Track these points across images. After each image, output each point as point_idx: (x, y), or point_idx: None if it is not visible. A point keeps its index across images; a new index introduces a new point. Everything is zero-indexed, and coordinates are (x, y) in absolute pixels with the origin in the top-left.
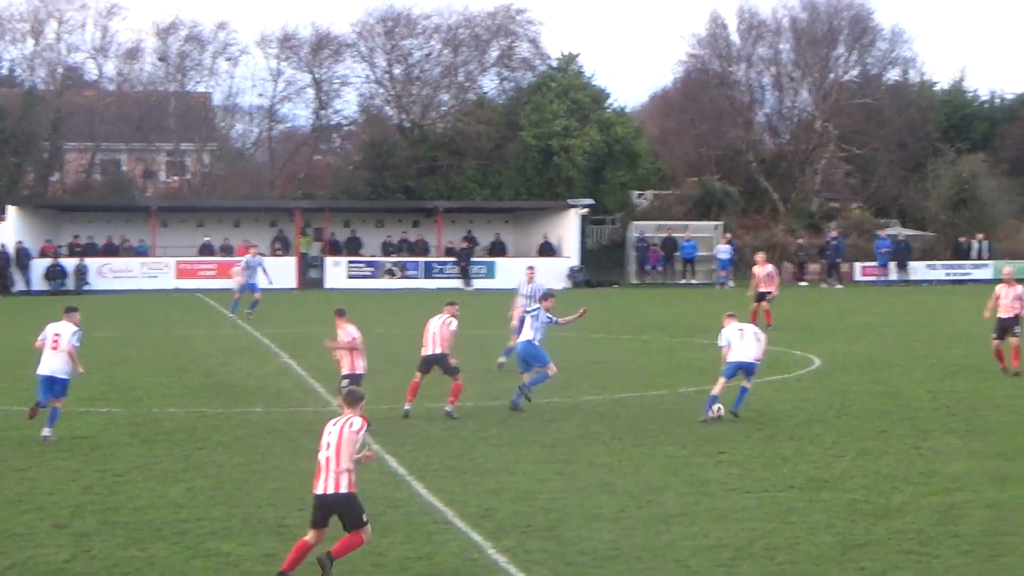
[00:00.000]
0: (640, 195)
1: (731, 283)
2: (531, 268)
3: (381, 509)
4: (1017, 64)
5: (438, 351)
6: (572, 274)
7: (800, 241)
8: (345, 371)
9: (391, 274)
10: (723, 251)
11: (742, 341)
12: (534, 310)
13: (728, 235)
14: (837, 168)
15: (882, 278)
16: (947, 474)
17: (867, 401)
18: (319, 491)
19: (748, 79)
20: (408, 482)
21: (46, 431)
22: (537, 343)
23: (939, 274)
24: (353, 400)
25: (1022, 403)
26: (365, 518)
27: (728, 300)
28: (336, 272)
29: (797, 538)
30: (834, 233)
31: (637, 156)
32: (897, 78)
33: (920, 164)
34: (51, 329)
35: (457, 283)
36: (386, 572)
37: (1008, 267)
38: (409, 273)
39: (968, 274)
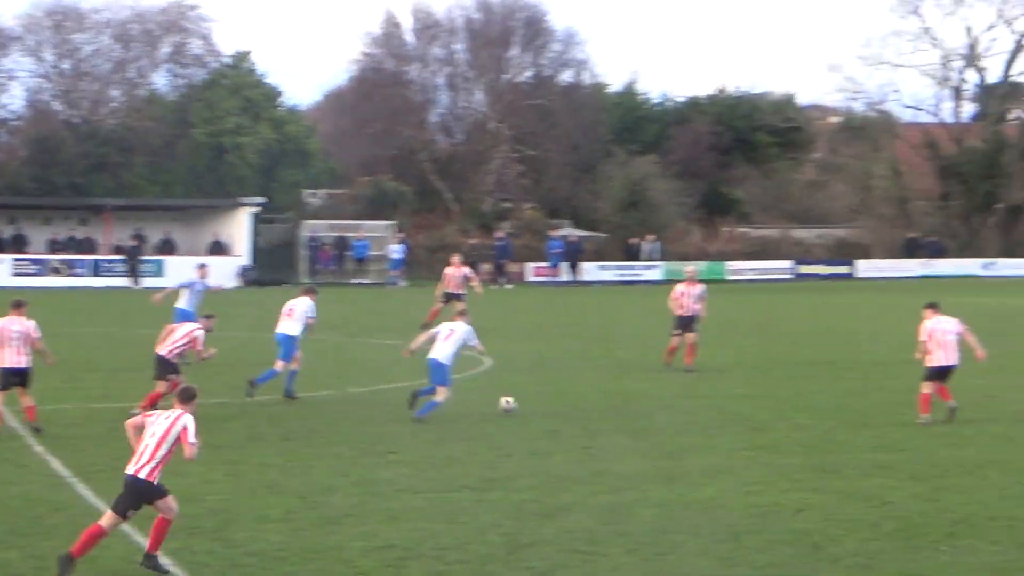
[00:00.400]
0: (312, 194)
1: (403, 282)
2: (204, 266)
3: (44, 512)
4: (687, 68)
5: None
6: (243, 273)
7: (472, 241)
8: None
9: (57, 272)
10: (395, 251)
11: (444, 341)
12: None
13: (401, 235)
14: (510, 169)
15: (554, 278)
16: (615, 473)
17: (537, 401)
18: (130, 471)
19: (422, 79)
20: (72, 484)
21: None
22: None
23: (610, 275)
24: (186, 397)
25: (690, 403)
26: (164, 488)
27: (400, 299)
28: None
29: (466, 538)
30: (500, 234)
31: (310, 155)
32: (570, 80)
33: (592, 166)
34: None
35: (126, 281)
36: None
37: (691, 267)
38: (77, 271)
39: (639, 275)
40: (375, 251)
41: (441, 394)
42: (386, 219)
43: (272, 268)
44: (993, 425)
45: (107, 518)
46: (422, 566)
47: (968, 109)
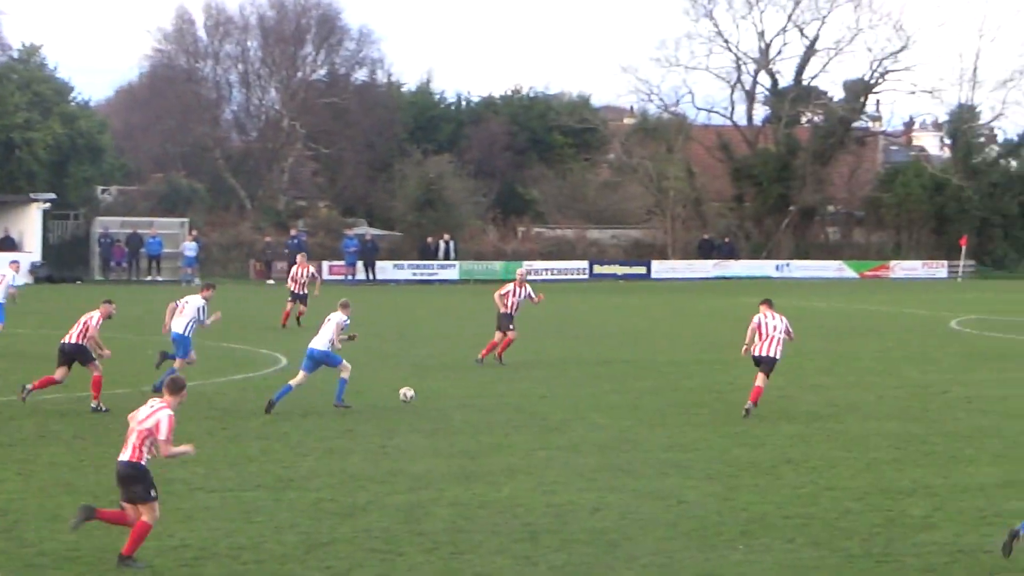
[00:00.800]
0: (104, 191)
1: (197, 280)
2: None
3: None
4: (482, 67)
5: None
6: (33, 269)
7: (267, 239)
8: None
9: None
10: (189, 248)
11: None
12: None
13: (194, 232)
14: (305, 167)
15: (350, 277)
16: (412, 473)
17: (333, 400)
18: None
19: (216, 76)
20: None
21: None
22: None
23: (406, 274)
24: (175, 388)
25: (487, 402)
26: (153, 494)
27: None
28: None
29: (262, 537)
30: (295, 232)
31: (102, 151)
32: (365, 78)
33: (388, 164)
34: None
35: None
36: None
37: (521, 268)
38: None
39: (435, 274)
40: (169, 248)
41: (345, 370)
42: (180, 216)
43: (64, 265)
44: (787, 425)
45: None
46: (218, 566)
47: (761, 112)
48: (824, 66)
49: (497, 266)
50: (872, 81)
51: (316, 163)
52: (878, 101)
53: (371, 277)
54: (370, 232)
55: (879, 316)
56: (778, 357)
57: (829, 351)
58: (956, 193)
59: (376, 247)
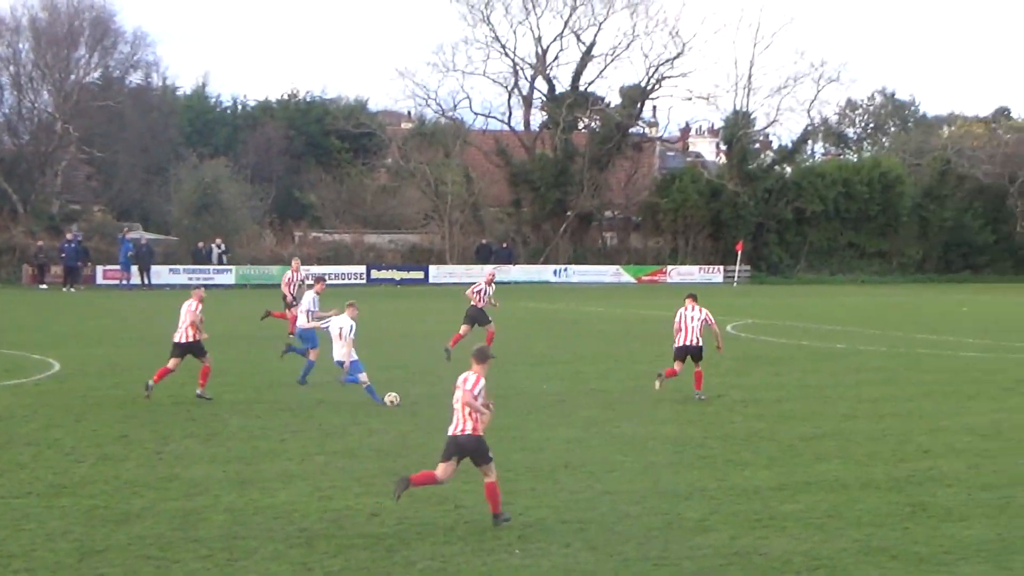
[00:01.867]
0: None
1: None
2: None
3: None
4: (259, 71)
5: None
6: None
7: (40, 243)
8: None
9: None
10: None
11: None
12: None
13: None
14: (79, 170)
15: (125, 282)
16: (187, 479)
17: (108, 406)
18: (449, 432)
19: None
20: None
21: None
22: None
23: (182, 278)
24: (481, 358)
25: (264, 407)
26: (491, 455)
27: None
28: None
29: (34, 545)
30: (68, 236)
31: None
32: (140, 81)
33: (163, 168)
34: None
35: None
36: None
37: (492, 270)
38: None
39: (211, 279)
40: None
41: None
42: None
43: None
44: (566, 429)
45: (441, 468)
46: None
47: (539, 117)
48: (601, 72)
49: (274, 270)
50: (649, 87)
51: (90, 167)
52: (655, 107)
53: (146, 282)
54: (145, 236)
55: (655, 320)
56: (700, 344)
57: (607, 355)
58: (732, 199)
59: (152, 251)
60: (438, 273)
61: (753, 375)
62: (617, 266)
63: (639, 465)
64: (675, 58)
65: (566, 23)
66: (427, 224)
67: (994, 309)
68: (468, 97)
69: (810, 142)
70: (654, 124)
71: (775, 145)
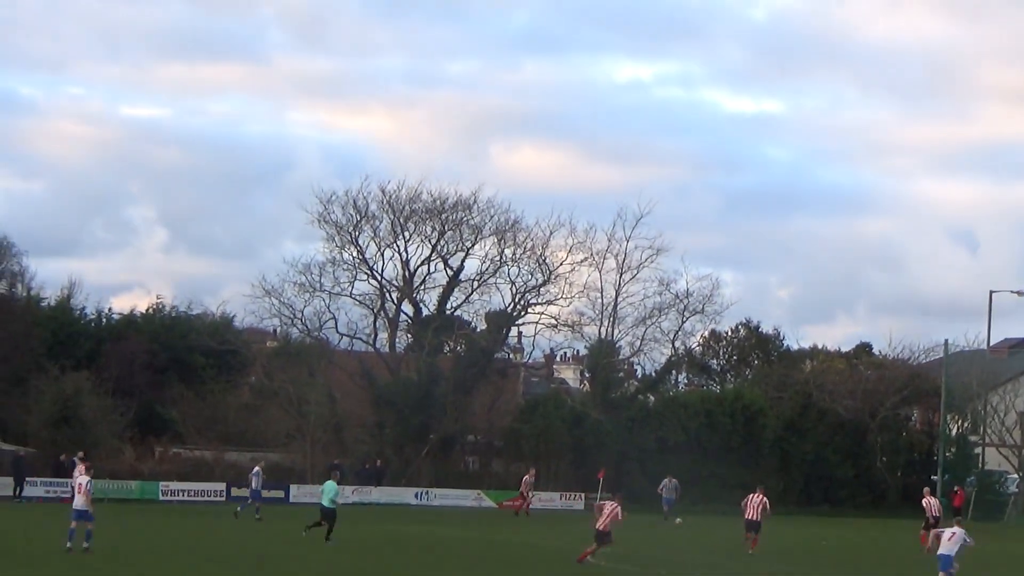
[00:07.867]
0: None
1: None
2: None
3: None
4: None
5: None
6: None
7: None
8: None
9: None
10: None
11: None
12: None
13: None
14: None
15: None
16: None
17: None
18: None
19: None
20: None
21: None
22: None
23: (39, 491)
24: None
25: None
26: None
27: None
28: None
29: None
30: None
31: None
32: (3, 291)
33: (24, 379)
34: None
35: None
36: None
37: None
38: None
39: (68, 492)
40: None
41: None
42: None
43: None
44: None
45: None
46: None
47: (404, 339)
48: (467, 297)
49: (133, 485)
50: (515, 313)
51: None
52: (520, 332)
53: (17, 494)
54: (4, 447)
55: (512, 546)
56: (761, 520)
57: None
58: (595, 426)
59: (24, 462)
60: (299, 493)
61: None
62: (478, 491)
63: None
64: (541, 285)
65: (434, 248)
66: (289, 443)
67: (854, 543)
68: (334, 318)
69: (674, 372)
70: (519, 350)
71: (639, 374)
